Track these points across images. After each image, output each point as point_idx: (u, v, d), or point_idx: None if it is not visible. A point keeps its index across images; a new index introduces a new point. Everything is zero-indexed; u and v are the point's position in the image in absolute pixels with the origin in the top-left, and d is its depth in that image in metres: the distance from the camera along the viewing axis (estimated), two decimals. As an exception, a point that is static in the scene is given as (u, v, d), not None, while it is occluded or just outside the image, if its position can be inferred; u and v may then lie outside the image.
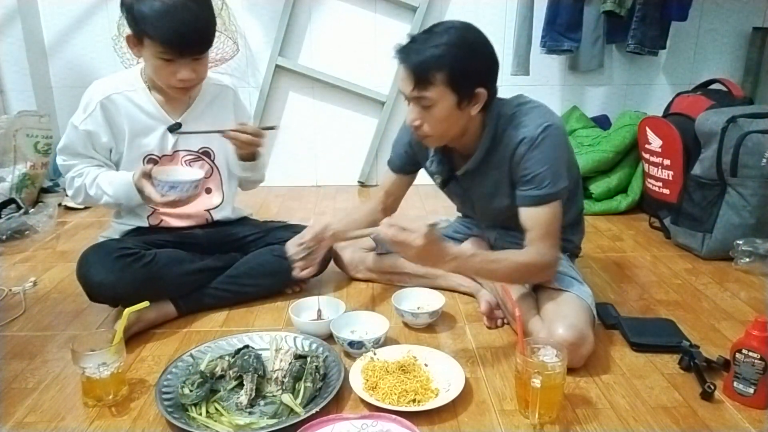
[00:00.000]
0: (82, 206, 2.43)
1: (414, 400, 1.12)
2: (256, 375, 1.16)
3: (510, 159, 1.32)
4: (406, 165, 1.59)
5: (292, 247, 1.44)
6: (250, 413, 1.10)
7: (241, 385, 1.16)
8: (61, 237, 2.19)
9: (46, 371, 1.27)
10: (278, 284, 1.63)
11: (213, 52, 2.31)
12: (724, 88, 2.26)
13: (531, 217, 1.30)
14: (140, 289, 1.36)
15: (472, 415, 1.12)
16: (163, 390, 1.13)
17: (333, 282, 1.74)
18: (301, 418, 1.05)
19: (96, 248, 1.45)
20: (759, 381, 1.12)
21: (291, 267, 1.46)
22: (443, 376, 1.20)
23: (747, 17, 2.81)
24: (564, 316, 1.25)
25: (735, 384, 1.15)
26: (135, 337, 1.39)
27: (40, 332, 1.45)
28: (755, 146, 1.83)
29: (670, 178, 2.21)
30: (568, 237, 1.51)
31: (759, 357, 1.11)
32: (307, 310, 1.47)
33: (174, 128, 1.49)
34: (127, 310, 1.20)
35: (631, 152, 2.47)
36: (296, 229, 1.67)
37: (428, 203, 2.56)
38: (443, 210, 2.17)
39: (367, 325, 1.39)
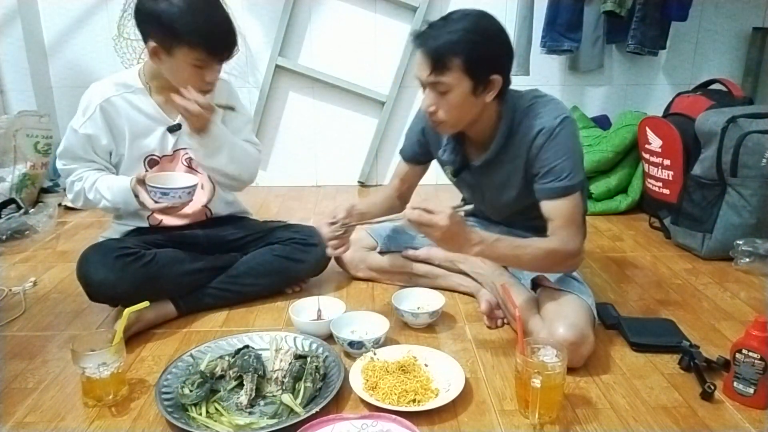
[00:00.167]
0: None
1: (414, 400, 1.12)
2: (256, 375, 1.16)
3: (527, 150, 1.33)
4: (419, 155, 1.60)
5: (325, 226, 1.42)
6: (250, 413, 1.10)
7: (241, 385, 1.16)
8: (61, 237, 2.19)
9: (46, 371, 1.27)
10: (278, 284, 1.63)
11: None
12: (724, 88, 2.26)
13: (553, 209, 1.30)
14: (140, 288, 1.36)
15: (472, 415, 1.12)
16: (163, 390, 1.13)
17: (333, 282, 1.74)
18: (301, 418, 1.05)
19: (96, 248, 1.44)
20: (759, 381, 1.12)
21: (324, 246, 1.44)
22: (443, 376, 1.20)
23: (747, 17, 2.81)
24: (565, 316, 1.25)
25: (735, 384, 1.15)
26: (135, 337, 1.39)
27: (40, 332, 1.45)
28: (755, 146, 1.83)
29: (670, 178, 2.21)
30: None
31: (759, 357, 1.11)
32: (307, 310, 1.47)
33: (174, 129, 1.49)
34: (127, 310, 1.20)
35: (631, 152, 2.47)
36: (296, 229, 1.68)
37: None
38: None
39: (367, 325, 1.39)
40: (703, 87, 2.35)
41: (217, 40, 1.35)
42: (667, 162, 2.21)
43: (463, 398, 1.15)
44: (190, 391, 1.11)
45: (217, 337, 1.34)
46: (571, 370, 1.19)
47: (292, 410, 1.09)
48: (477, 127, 1.37)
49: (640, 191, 2.45)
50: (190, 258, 1.51)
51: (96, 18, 2.71)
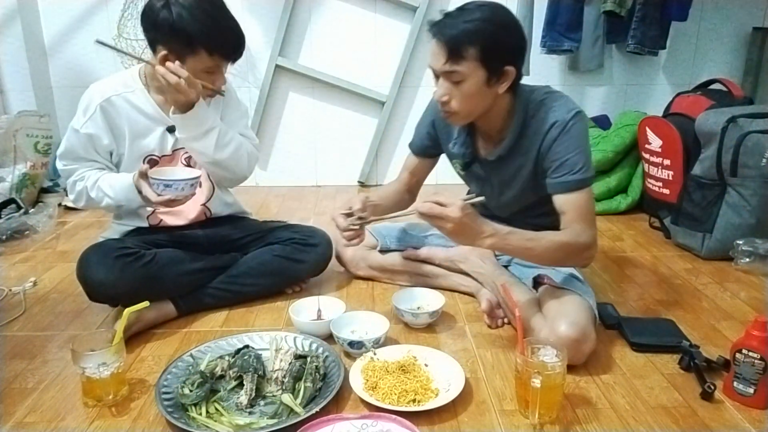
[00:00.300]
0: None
1: (414, 400, 1.12)
2: (256, 375, 1.16)
3: (540, 143, 1.33)
4: (428, 147, 1.60)
5: (340, 218, 1.41)
6: (250, 413, 1.10)
7: (241, 385, 1.16)
8: (61, 237, 2.19)
9: (46, 371, 1.27)
10: (278, 284, 1.63)
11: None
12: (724, 88, 2.25)
13: (566, 202, 1.31)
14: (140, 288, 1.36)
15: (472, 415, 1.12)
16: (163, 390, 1.13)
17: (333, 282, 1.74)
18: (301, 418, 1.05)
19: (96, 248, 1.44)
20: (759, 381, 1.12)
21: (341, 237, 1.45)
22: (443, 376, 1.20)
23: (747, 17, 2.81)
24: (567, 314, 1.25)
25: (735, 384, 1.15)
26: (135, 337, 1.39)
27: (40, 332, 1.45)
28: (755, 146, 1.83)
29: (670, 178, 2.21)
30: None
31: (759, 357, 1.11)
32: (307, 310, 1.47)
33: (174, 129, 1.49)
34: (127, 310, 1.20)
35: (631, 152, 2.47)
36: (296, 229, 1.68)
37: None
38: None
39: (367, 325, 1.39)
40: (703, 87, 2.35)
41: (230, 45, 1.38)
42: (667, 162, 2.21)
43: (463, 398, 1.15)
44: (190, 391, 1.11)
45: (217, 337, 1.34)
46: (571, 369, 1.19)
47: (292, 410, 1.09)
48: (488, 119, 1.37)
49: (640, 191, 2.45)
50: (190, 258, 1.51)
51: (96, 18, 2.71)
